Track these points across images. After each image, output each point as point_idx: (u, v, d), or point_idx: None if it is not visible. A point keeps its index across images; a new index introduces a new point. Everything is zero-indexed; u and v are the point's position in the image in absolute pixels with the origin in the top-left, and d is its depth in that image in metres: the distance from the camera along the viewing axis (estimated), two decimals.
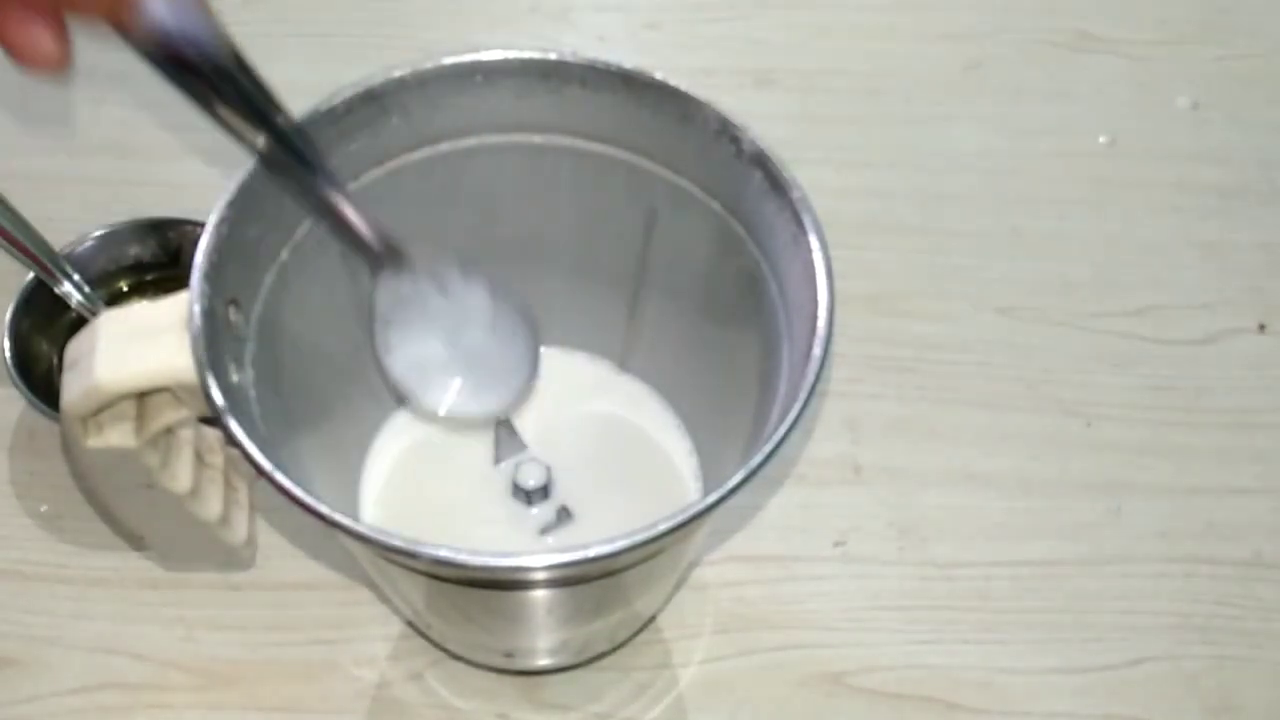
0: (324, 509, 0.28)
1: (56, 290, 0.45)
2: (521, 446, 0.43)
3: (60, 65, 0.27)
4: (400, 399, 0.43)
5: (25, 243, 0.44)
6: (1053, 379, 0.49)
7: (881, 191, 0.55)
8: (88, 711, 0.40)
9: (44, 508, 0.44)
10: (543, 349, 0.44)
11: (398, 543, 0.27)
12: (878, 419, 0.48)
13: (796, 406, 0.29)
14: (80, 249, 0.47)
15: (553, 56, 0.35)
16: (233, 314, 0.32)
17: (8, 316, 0.44)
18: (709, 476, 0.41)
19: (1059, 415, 0.48)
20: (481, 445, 0.43)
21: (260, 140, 0.31)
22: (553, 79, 0.35)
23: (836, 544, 0.45)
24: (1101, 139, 0.58)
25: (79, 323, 0.45)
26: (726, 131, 0.34)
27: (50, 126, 0.56)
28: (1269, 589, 0.44)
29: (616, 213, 0.38)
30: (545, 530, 0.41)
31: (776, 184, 0.33)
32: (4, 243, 0.44)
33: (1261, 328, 0.51)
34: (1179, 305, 0.52)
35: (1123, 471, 0.47)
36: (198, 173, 0.53)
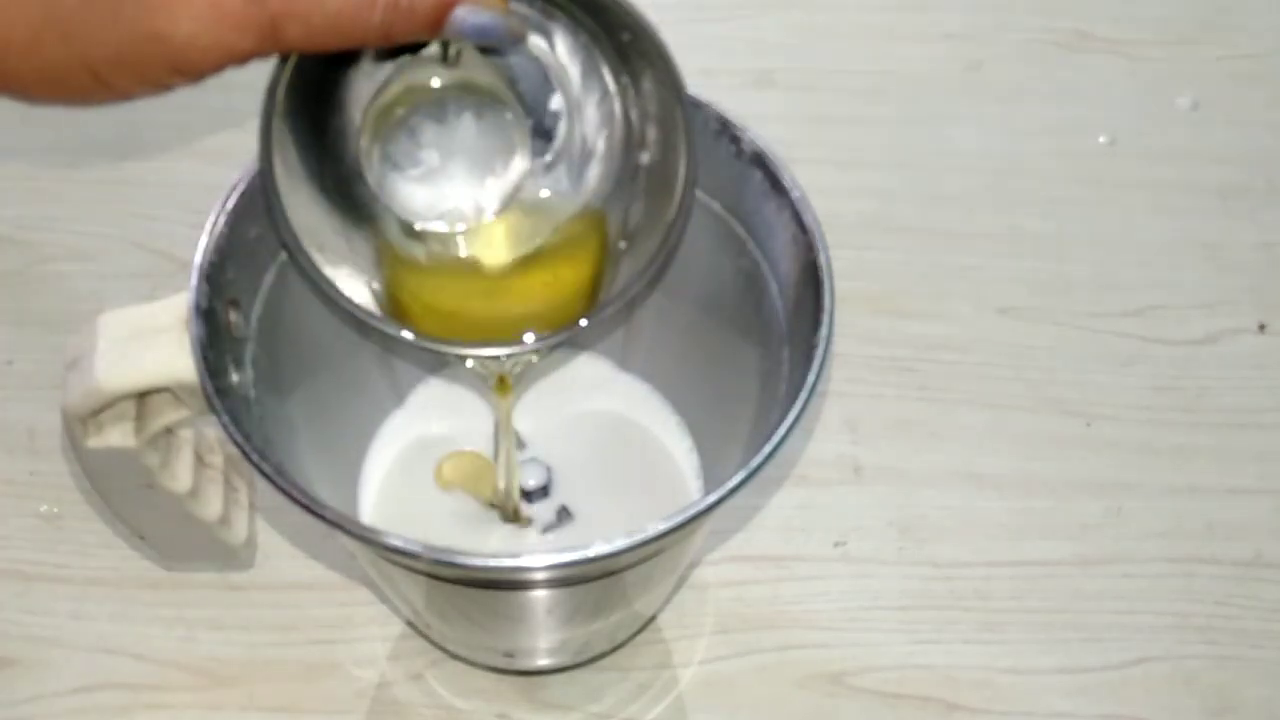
0: (324, 509, 0.28)
1: None
2: (521, 446, 0.43)
3: None
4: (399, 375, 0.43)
5: None
6: (1053, 379, 0.49)
7: (881, 191, 0.55)
8: (88, 711, 0.40)
9: (44, 508, 0.44)
10: None
11: (398, 543, 0.27)
12: (878, 419, 0.48)
13: (796, 406, 0.29)
14: None
15: None
16: (233, 314, 0.32)
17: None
18: (710, 475, 0.41)
19: (1059, 415, 0.48)
20: (481, 445, 0.43)
21: None
22: None
23: (836, 544, 0.45)
24: (1101, 139, 0.58)
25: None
26: (726, 131, 0.34)
27: (50, 126, 0.56)
28: (1269, 589, 0.44)
29: None
30: (545, 530, 0.41)
31: (776, 184, 0.33)
32: None
33: (1261, 328, 0.51)
34: (1179, 305, 0.52)
35: (1123, 471, 0.47)
36: (198, 173, 0.53)
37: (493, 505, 0.41)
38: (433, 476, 0.42)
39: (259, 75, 0.62)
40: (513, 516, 0.40)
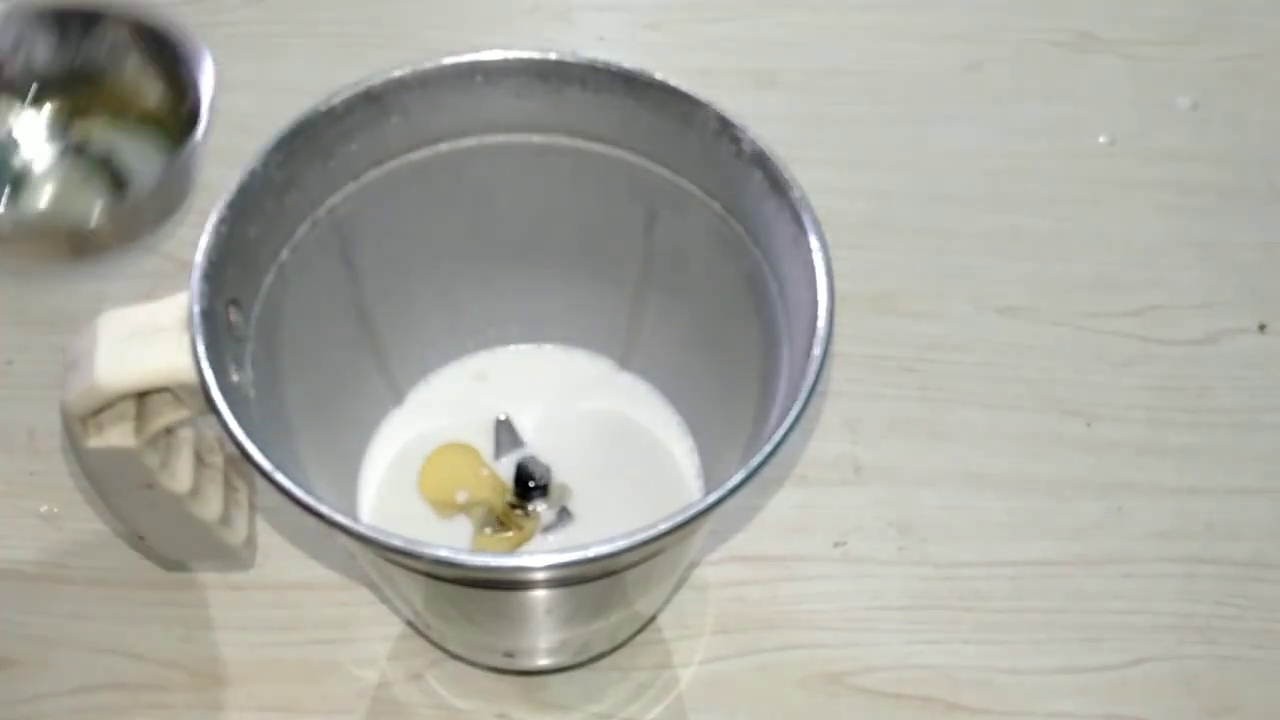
0: (324, 509, 0.28)
1: None
2: (521, 444, 0.43)
3: None
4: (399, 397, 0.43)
5: None
6: (1053, 379, 0.49)
7: (881, 191, 0.55)
8: (88, 711, 0.40)
9: (44, 508, 0.44)
10: (543, 346, 0.45)
11: (398, 543, 0.27)
12: (878, 419, 0.48)
13: (796, 406, 0.29)
14: None
15: (553, 56, 0.35)
16: (233, 314, 0.32)
17: None
18: (710, 475, 0.41)
19: (1059, 415, 0.48)
20: (481, 444, 0.43)
21: None
22: (552, 79, 0.35)
23: (836, 544, 0.45)
24: (1101, 139, 0.58)
25: None
26: (726, 131, 0.34)
27: None
28: (1269, 589, 0.44)
29: (617, 213, 0.38)
30: (545, 530, 0.41)
31: (776, 184, 0.33)
32: None
33: (1261, 328, 0.51)
34: (1179, 305, 0.52)
35: (1123, 471, 0.47)
36: (197, 172, 0.53)
37: (487, 510, 0.41)
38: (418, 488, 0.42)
39: (259, 76, 0.62)
40: (506, 523, 0.40)
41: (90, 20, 0.43)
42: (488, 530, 0.40)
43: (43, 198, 0.43)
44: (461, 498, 0.41)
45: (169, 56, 0.42)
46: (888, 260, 0.53)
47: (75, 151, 0.44)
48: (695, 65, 0.59)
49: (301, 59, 0.59)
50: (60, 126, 0.45)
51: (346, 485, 0.41)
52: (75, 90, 0.45)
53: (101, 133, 0.45)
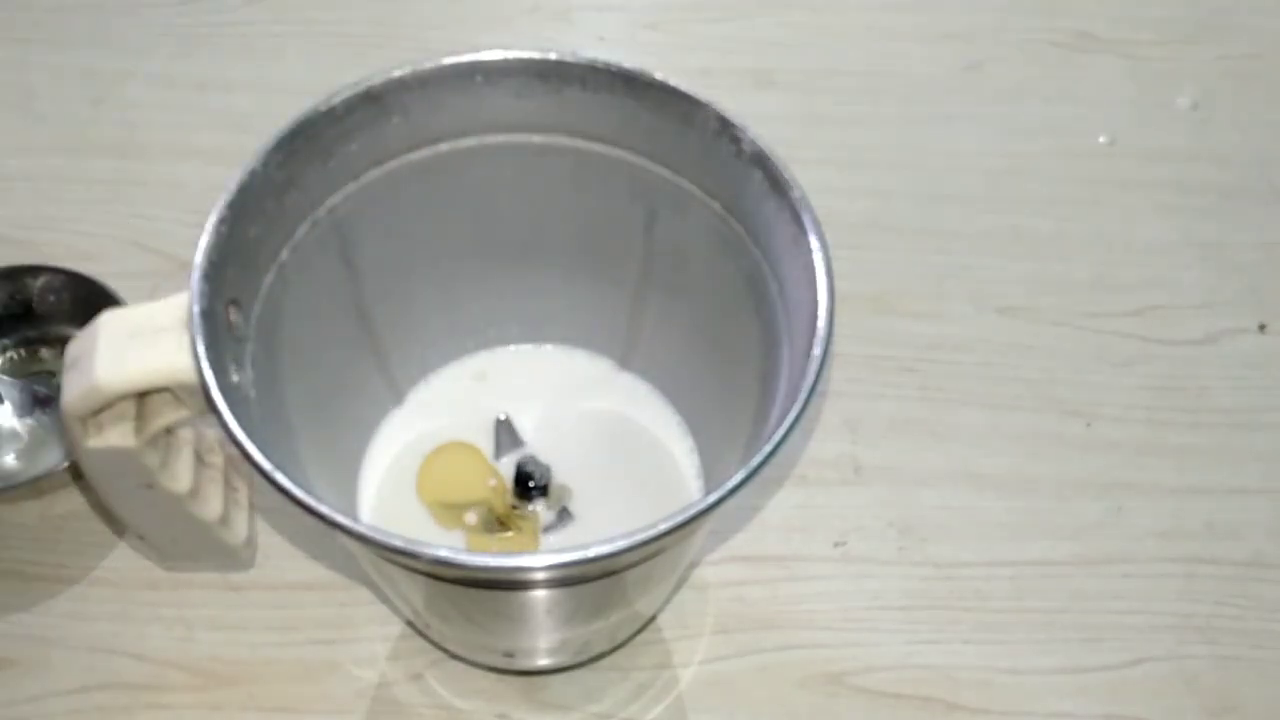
0: (324, 509, 0.28)
1: None
2: (521, 444, 0.43)
3: None
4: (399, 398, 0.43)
5: None
6: (1053, 379, 0.49)
7: (881, 191, 0.55)
8: (88, 711, 0.40)
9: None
10: (543, 346, 0.45)
11: (398, 543, 0.27)
12: (878, 419, 0.48)
13: (796, 406, 0.29)
14: None
15: (553, 56, 0.35)
16: (233, 314, 0.32)
17: None
18: (710, 475, 0.41)
19: (1059, 415, 0.48)
20: (481, 444, 0.43)
21: None
22: (552, 79, 0.35)
23: (836, 544, 0.45)
24: (1101, 139, 0.58)
25: None
26: (726, 131, 0.34)
27: (50, 126, 0.56)
28: (1269, 589, 0.44)
29: (617, 213, 0.38)
30: (545, 530, 0.41)
31: (776, 184, 0.33)
32: None
33: (1261, 328, 0.51)
34: (1179, 305, 0.52)
35: (1123, 471, 0.47)
36: (198, 173, 0.53)
37: (489, 510, 0.41)
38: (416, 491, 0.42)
39: (259, 76, 0.62)
40: (506, 523, 0.41)
41: (30, 272, 0.46)
42: (492, 545, 0.40)
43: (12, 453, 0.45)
44: (471, 519, 0.41)
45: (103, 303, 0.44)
46: (888, 260, 0.53)
47: (37, 403, 0.45)
48: (695, 65, 0.59)
49: (301, 59, 0.59)
50: (15, 370, 0.47)
51: (346, 485, 0.41)
52: (24, 333, 0.47)
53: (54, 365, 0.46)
